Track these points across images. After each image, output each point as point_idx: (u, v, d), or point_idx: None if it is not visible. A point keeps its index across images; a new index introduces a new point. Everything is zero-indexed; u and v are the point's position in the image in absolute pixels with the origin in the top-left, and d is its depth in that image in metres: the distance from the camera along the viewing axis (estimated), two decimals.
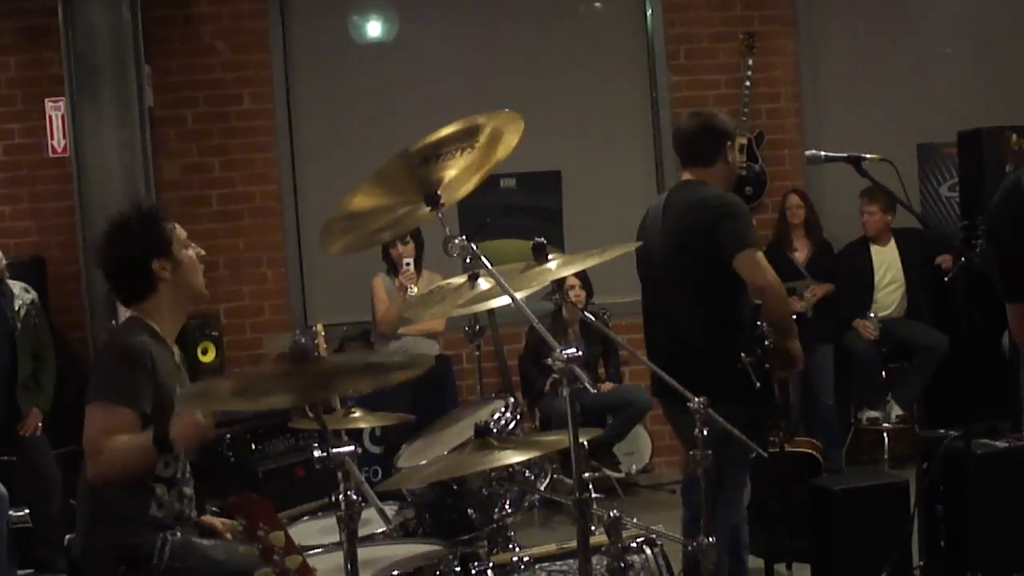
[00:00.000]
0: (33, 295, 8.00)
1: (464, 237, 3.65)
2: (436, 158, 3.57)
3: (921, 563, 6.67)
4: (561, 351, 3.34)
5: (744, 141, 9.67)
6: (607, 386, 9.05)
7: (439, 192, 3.71)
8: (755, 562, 5.84)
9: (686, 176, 5.72)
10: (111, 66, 8.48)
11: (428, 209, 3.75)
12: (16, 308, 7.86)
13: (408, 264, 8.23)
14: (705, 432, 3.94)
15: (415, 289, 8.06)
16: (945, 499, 6.60)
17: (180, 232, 4.42)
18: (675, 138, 5.83)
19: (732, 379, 5.12)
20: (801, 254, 9.49)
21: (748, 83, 9.78)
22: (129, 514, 4.18)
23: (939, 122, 9.79)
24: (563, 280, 8.42)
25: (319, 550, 4.24)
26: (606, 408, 8.92)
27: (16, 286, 7.95)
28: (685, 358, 5.16)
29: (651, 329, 5.69)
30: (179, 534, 4.22)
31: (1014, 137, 6.50)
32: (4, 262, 7.91)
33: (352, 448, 3.34)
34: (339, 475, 3.30)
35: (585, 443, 4.99)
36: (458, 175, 3.77)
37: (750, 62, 9.79)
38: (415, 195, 3.70)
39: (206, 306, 8.24)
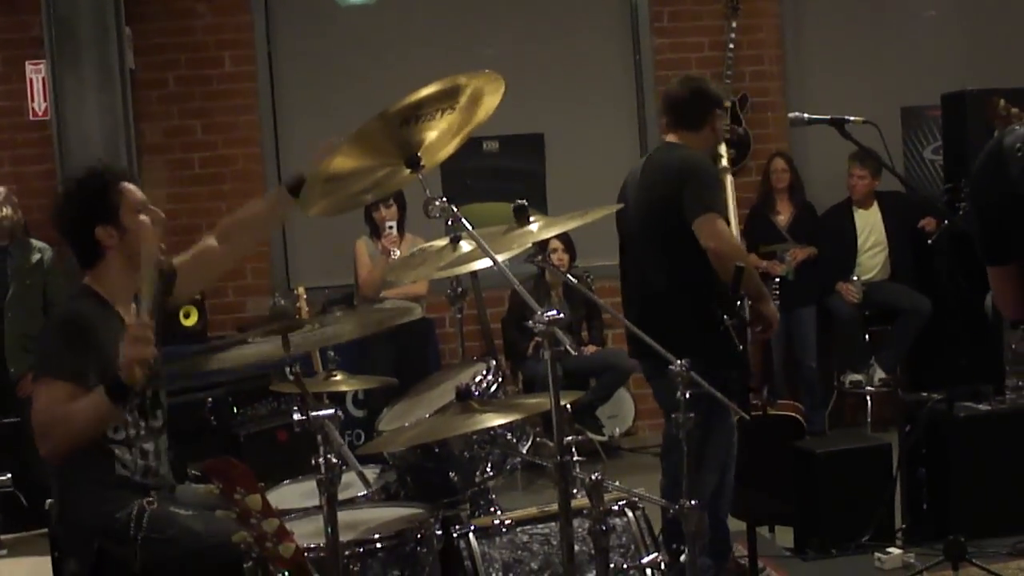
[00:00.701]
0: (46, 253, 8.01)
1: (445, 199, 3.63)
2: (416, 119, 3.54)
3: (904, 525, 6.70)
4: (542, 314, 3.33)
5: (728, 104, 9.65)
6: (590, 349, 9.05)
7: (419, 154, 3.68)
8: (737, 525, 5.84)
9: (669, 138, 5.71)
10: (92, 29, 8.40)
11: (409, 171, 3.72)
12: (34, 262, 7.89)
13: (391, 227, 8.20)
14: (687, 395, 3.94)
15: (398, 252, 8.04)
16: (927, 462, 6.63)
17: (132, 197, 4.28)
18: (665, 100, 5.79)
19: (711, 342, 5.12)
20: (784, 217, 9.49)
21: (732, 46, 9.75)
22: (95, 477, 4.14)
23: (923, 85, 9.79)
24: (546, 243, 8.44)
25: (300, 514, 4.23)
26: (589, 371, 8.92)
27: (37, 244, 8.04)
28: (660, 320, 5.15)
29: (628, 291, 5.69)
30: (155, 503, 4.18)
31: (1002, 102, 6.47)
32: (23, 219, 7.97)
33: (332, 411, 3.34)
34: (319, 439, 3.30)
35: (568, 406, 5.00)
36: (439, 137, 3.74)
37: (734, 24, 9.75)
38: (395, 157, 3.67)
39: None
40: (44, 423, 4.00)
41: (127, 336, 3.88)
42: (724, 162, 6.51)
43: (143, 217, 4.28)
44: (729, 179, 6.37)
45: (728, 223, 5.65)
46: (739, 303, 5.29)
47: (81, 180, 4.32)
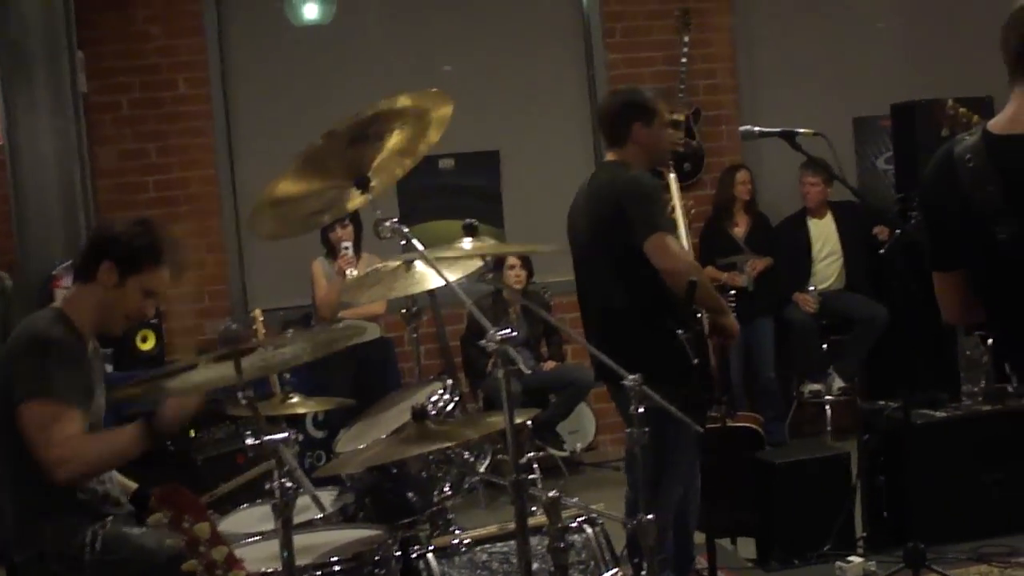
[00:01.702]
0: (6, 280, 7.94)
1: (395, 219, 3.63)
2: (364, 140, 3.54)
3: (864, 533, 6.73)
4: (495, 332, 3.33)
5: (682, 118, 9.68)
6: (549, 365, 9.05)
7: (368, 175, 3.68)
8: (697, 537, 5.86)
9: (607, 156, 5.68)
10: (44, 52, 8.34)
11: (359, 192, 3.73)
12: None
13: (347, 247, 8.18)
14: (642, 410, 3.95)
15: (354, 272, 8.02)
16: (886, 470, 6.67)
17: (154, 279, 4.28)
18: (595, 117, 5.80)
19: (667, 356, 5.12)
20: (740, 229, 9.53)
21: (684, 60, 9.79)
22: (56, 504, 4.12)
23: (874, 96, 9.83)
24: (502, 260, 8.45)
25: (256, 538, 4.22)
26: (549, 387, 8.92)
27: None
28: (618, 337, 5.16)
29: (585, 309, 5.68)
30: (109, 525, 4.17)
31: (951, 103, 6.52)
32: None
33: (286, 435, 3.33)
34: (272, 462, 3.29)
35: (528, 423, 5.00)
36: (388, 157, 3.75)
37: (686, 39, 9.79)
38: (345, 178, 3.67)
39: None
40: (66, 457, 3.97)
41: (175, 407, 3.93)
42: (671, 176, 6.46)
43: (144, 300, 4.28)
44: (675, 187, 6.34)
45: (676, 234, 5.63)
46: (697, 316, 5.30)
47: (143, 224, 4.29)
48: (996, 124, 3.51)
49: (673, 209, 6.07)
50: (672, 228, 5.42)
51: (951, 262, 3.68)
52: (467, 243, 4.08)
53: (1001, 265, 3.46)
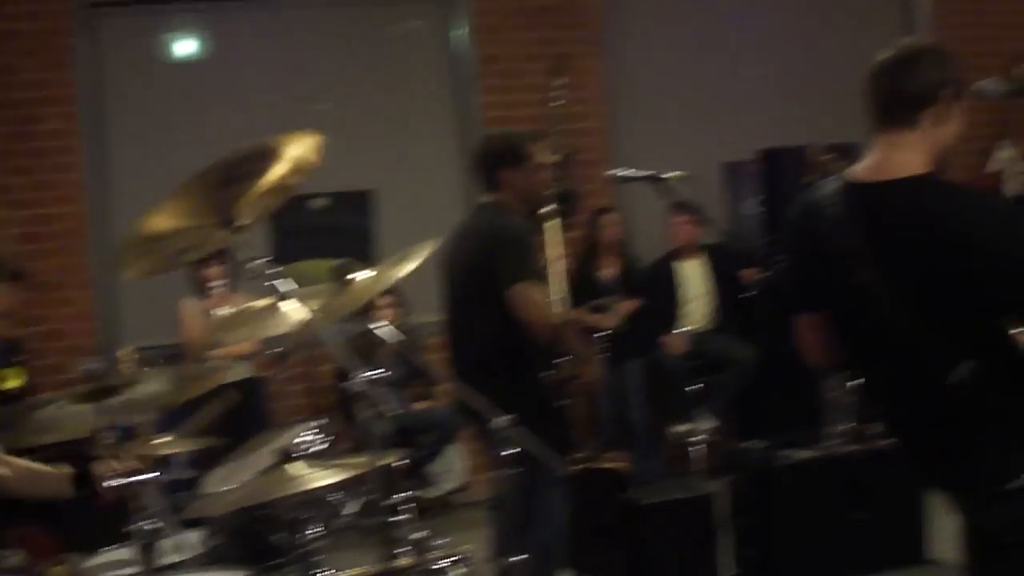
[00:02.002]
0: None
1: (264, 259, 3.62)
2: (234, 180, 3.54)
3: (732, 573, 6.79)
4: (362, 373, 3.34)
5: (555, 160, 9.73)
6: (421, 405, 9.05)
7: (237, 214, 3.67)
8: None
9: (481, 199, 5.72)
10: None
11: (228, 231, 3.71)
12: None
13: (217, 286, 8.13)
14: (511, 451, 3.97)
15: (225, 311, 7.96)
16: (753, 509, 6.73)
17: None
18: (475, 160, 5.81)
19: (532, 399, 5.15)
20: (609, 271, 9.59)
21: (557, 103, 9.84)
22: None
23: (744, 141, 9.97)
24: (374, 300, 8.41)
25: None
26: (421, 427, 8.91)
27: None
28: (485, 380, 5.16)
29: (453, 350, 5.68)
30: None
31: (815, 149, 6.66)
32: None
33: (150, 476, 3.31)
34: (137, 503, 3.27)
35: (401, 463, 4.99)
36: (258, 196, 3.74)
37: (559, 82, 9.85)
38: (213, 217, 3.66)
39: (12, 331, 8.05)
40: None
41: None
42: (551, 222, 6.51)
43: None
44: (555, 232, 6.39)
45: (546, 281, 5.65)
46: (561, 359, 5.33)
47: None
48: (857, 171, 3.60)
49: (549, 257, 6.14)
50: (539, 278, 5.43)
51: (812, 304, 3.78)
52: (356, 283, 4.07)
53: (858, 309, 3.55)
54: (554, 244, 6.29)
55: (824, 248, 3.57)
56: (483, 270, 5.29)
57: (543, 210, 6.24)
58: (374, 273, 4.23)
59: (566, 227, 9.34)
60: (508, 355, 5.31)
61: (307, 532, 4.42)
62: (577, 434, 5.58)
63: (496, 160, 5.57)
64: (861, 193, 3.54)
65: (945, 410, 3.50)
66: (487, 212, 5.56)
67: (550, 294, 5.74)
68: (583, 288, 9.35)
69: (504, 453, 3.96)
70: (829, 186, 3.64)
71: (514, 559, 3.97)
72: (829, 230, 3.56)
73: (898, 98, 3.53)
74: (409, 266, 4.09)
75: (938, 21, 10.90)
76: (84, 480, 3.90)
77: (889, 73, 3.56)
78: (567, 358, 5.39)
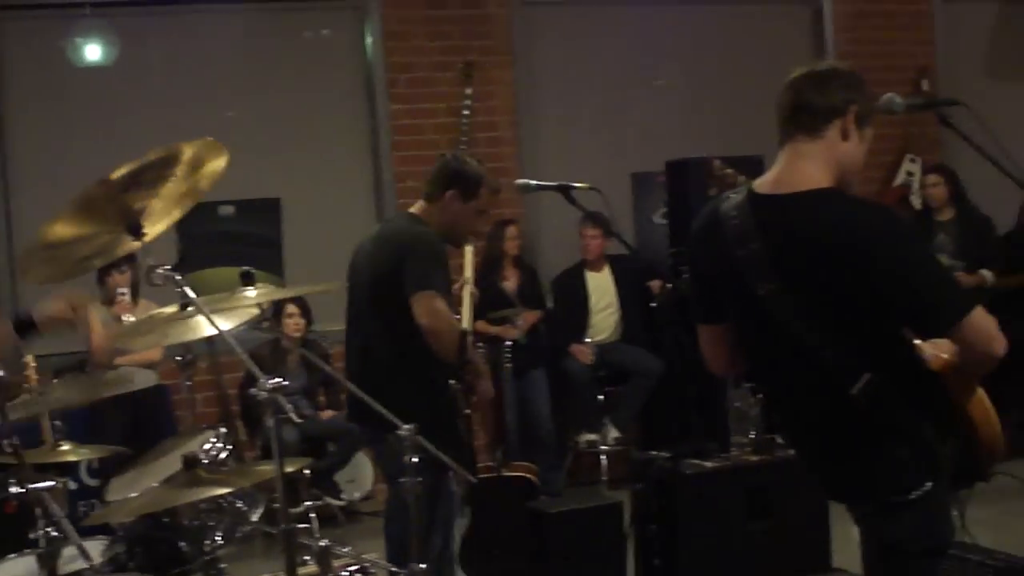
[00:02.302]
0: None
1: (168, 266, 3.61)
2: (138, 186, 3.52)
3: None
4: (265, 381, 3.33)
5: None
6: (327, 414, 9.03)
7: (141, 221, 3.65)
8: None
9: (412, 208, 5.68)
10: None
11: (133, 238, 3.70)
12: None
13: (123, 293, 8.07)
14: (415, 459, 3.98)
15: (131, 318, 7.91)
16: (657, 518, 6.77)
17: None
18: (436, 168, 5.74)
19: (433, 407, 5.15)
20: (511, 283, 9.61)
21: (467, 112, 9.88)
22: None
23: (652, 152, 10.03)
24: (280, 309, 8.40)
25: None
26: (327, 435, 8.89)
27: None
28: (384, 387, 5.13)
29: (351, 357, 5.64)
30: None
31: (717, 163, 6.73)
32: None
33: (52, 483, 3.28)
34: (38, 511, 3.24)
35: (306, 471, 4.99)
36: (163, 204, 3.72)
37: (469, 91, 9.89)
38: (118, 224, 3.64)
39: None
40: None
41: None
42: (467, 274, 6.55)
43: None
44: (469, 258, 6.43)
45: (455, 298, 5.65)
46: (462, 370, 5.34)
47: None
48: (761, 184, 3.64)
49: (462, 286, 6.16)
50: (447, 293, 5.41)
51: (715, 315, 3.83)
52: (251, 292, 4.06)
53: (760, 321, 3.59)
54: (470, 273, 6.31)
55: (727, 259, 3.61)
56: (391, 275, 5.29)
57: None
58: (281, 282, 4.23)
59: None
60: (412, 364, 5.29)
61: (211, 540, 4.41)
62: (482, 443, 5.56)
63: (454, 180, 5.56)
64: (764, 205, 3.58)
65: (845, 422, 3.55)
66: (407, 219, 5.56)
67: (456, 310, 5.75)
68: (486, 299, 9.35)
69: (406, 460, 3.97)
70: (734, 198, 3.68)
71: (417, 568, 3.97)
72: (732, 241, 3.60)
73: (807, 108, 3.57)
74: (318, 286, 4.09)
75: (848, 35, 11.06)
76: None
77: (802, 84, 3.61)
78: (466, 370, 5.39)
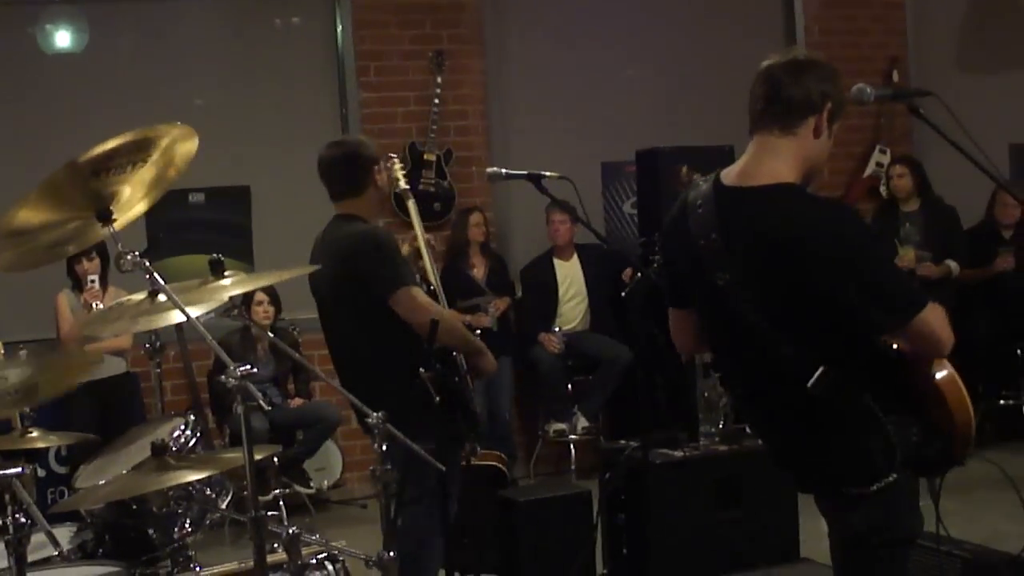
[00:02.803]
0: None
1: (136, 253, 3.58)
2: (107, 171, 3.49)
3: (605, 571, 6.84)
4: (235, 368, 3.33)
5: (432, 158, 9.79)
6: (296, 402, 9.01)
7: (112, 207, 3.63)
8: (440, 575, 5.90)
9: (337, 210, 5.57)
10: None
11: (101, 225, 3.67)
12: None
13: (92, 280, 8.04)
14: (385, 447, 3.98)
15: (101, 306, 7.88)
16: (626, 508, 6.78)
17: None
18: (321, 170, 5.62)
19: (407, 397, 5.12)
20: (478, 271, 9.63)
21: (437, 100, 9.88)
22: None
23: (622, 141, 10.03)
24: (249, 296, 8.38)
25: None
26: (296, 423, 8.87)
27: None
28: (362, 379, 5.13)
29: (334, 354, 5.61)
30: None
31: (684, 169, 6.77)
32: None
33: (19, 470, 3.28)
34: (6, 497, 3.23)
35: (275, 459, 4.97)
36: (133, 190, 3.70)
37: (439, 80, 9.90)
38: (86, 209, 3.61)
39: None
40: None
41: None
42: (402, 184, 6.46)
43: None
44: (416, 216, 6.36)
45: (420, 278, 5.62)
46: (450, 355, 5.31)
47: None
48: (727, 174, 3.66)
49: (415, 239, 6.11)
50: (414, 279, 5.36)
51: (682, 301, 3.86)
52: (227, 281, 4.05)
53: (720, 311, 3.60)
54: (420, 231, 6.24)
55: (691, 248, 3.63)
56: (351, 280, 5.22)
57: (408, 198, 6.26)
58: (250, 272, 4.22)
59: (442, 225, 9.41)
60: (385, 357, 5.25)
61: (180, 527, 4.41)
62: (472, 427, 5.53)
63: (371, 161, 5.51)
64: (727, 196, 3.59)
65: (804, 414, 3.57)
66: (346, 223, 5.45)
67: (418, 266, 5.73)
68: (454, 286, 9.36)
69: (379, 449, 3.97)
70: (702, 187, 3.69)
71: (387, 555, 3.97)
72: (695, 230, 3.62)
73: (783, 101, 3.57)
74: (288, 273, 4.08)
75: (819, 25, 11.09)
76: None
77: (779, 74, 3.60)
78: (456, 353, 5.35)
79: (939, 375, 3.56)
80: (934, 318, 3.43)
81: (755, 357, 3.61)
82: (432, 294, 5.67)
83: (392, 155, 6.53)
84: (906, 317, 3.41)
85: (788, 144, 3.57)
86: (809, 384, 3.44)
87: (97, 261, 8.14)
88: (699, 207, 3.62)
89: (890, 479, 3.50)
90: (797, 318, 3.47)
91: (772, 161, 3.56)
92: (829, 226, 3.43)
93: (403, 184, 6.39)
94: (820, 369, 3.44)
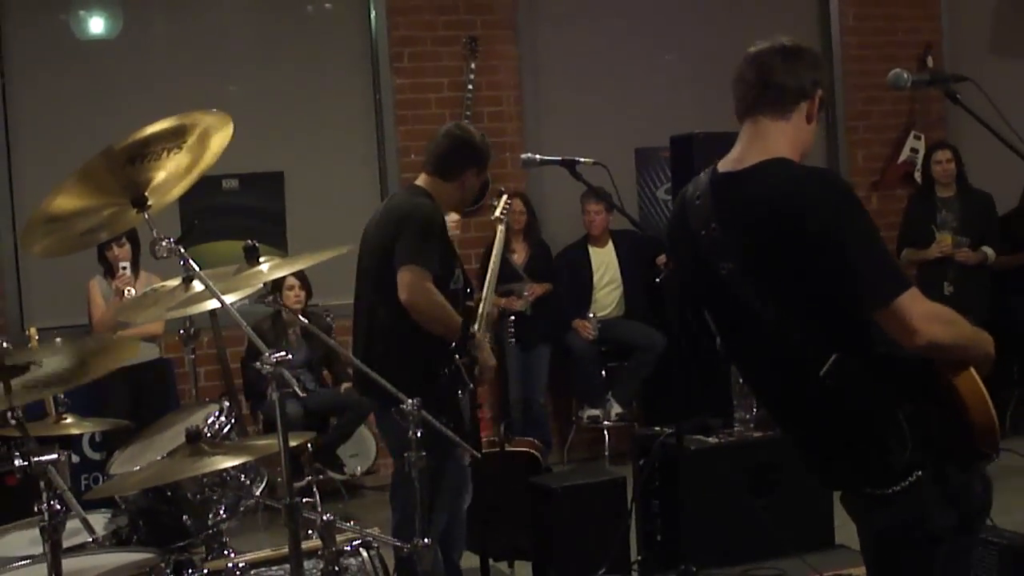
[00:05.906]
0: None
1: (172, 239, 3.58)
2: (142, 158, 3.49)
3: (639, 557, 6.83)
4: (270, 355, 3.32)
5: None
6: (345, 387, 8.99)
7: (146, 193, 3.63)
8: (474, 560, 5.89)
9: (417, 180, 5.66)
10: None
11: (136, 211, 3.67)
12: None
13: (124, 267, 8.07)
14: (416, 433, 3.97)
15: (132, 292, 7.91)
16: (660, 494, 6.77)
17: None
18: (432, 140, 5.71)
19: (434, 382, 5.13)
20: (519, 256, 9.61)
21: (470, 87, 9.87)
22: None
23: (656, 127, 9.97)
24: (280, 282, 8.39)
25: (25, 562, 4.13)
26: (330, 409, 8.87)
27: None
28: (388, 359, 5.12)
29: (356, 330, 5.62)
30: None
31: None
32: None
33: (55, 456, 3.27)
34: (41, 484, 3.23)
35: (309, 446, 4.97)
36: (167, 176, 3.69)
37: (472, 65, 9.88)
38: (122, 196, 3.61)
39: None
40: None
41: None
42: (498, 213, 6.52)
43: None
44: (500, 231, 6.43)
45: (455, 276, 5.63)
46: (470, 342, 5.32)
47: None
48: (724, 162, 3.60)
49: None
50: (435, 265, 5.34)
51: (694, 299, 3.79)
52: (264, 265, 4.04)
53: (727, 303, 3.53)
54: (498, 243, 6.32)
55: (693, 242, 3.57)
56: (390, 248, 5.27)
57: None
58: (280, 257, 4.21)
59: (476, 211, 9.40)
60: (414, 336, 5.27)
61: (214, 513, 4.41)
62: (485, 417, 5.54)
63: (473, 158, 5.62)
64: (723, 183, 3.53)
65: (819, 408, 3.42)
66: (412, 193, 5.55)
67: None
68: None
69: (410, 435, 3.96)
70: (700, 179, 3.63)
71: (422, 543, 3.97)
72: (694, 223, 3.55)
73: (776, 86, 3.54)
74: (322, 256, 4.07)
75: (853, 10, 11.04)
76: None
77: (771, 60, 3.57)
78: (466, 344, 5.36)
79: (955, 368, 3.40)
80: (912, 305, 3.23)
81: (766, 349, 3.49)
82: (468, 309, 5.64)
83: (505, 192, 6.57)
84: (885, 299, 3.22)
85: (783, 127, 3.52)
86: (822, 372, 3.32)
87: (128, 247, 8.17)
88: (697, 199, 3.56)
89: (913, 478, 3.36)
90: (804, 302, 3.35)
91: (766, 143, 3.50)
92: (814, 193, 3.29)
93: (499, 213, 6.44)
94: (833, 356, 3.32)
